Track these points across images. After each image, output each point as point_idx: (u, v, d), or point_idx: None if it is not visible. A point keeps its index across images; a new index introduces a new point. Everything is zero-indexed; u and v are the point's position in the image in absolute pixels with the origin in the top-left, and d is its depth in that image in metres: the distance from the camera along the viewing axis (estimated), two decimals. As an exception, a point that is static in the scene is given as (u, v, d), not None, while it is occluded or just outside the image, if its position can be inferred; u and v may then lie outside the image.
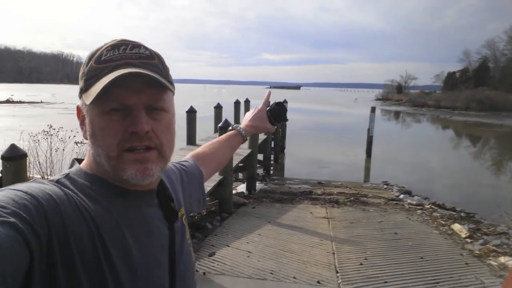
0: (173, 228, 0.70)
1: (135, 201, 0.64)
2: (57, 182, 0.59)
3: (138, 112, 0.60)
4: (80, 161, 0.68)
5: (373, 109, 13.43)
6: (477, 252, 4.45)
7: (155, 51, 0.65)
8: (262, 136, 9.80)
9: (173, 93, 0.68)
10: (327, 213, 6.01)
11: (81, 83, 0.62)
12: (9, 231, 0.43)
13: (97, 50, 0.62)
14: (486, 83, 59.91)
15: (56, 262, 0.49)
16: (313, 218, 5.71)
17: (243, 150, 7.97)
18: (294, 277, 3.60)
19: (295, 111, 34.68)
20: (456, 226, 5.45)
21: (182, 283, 0.70)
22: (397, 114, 42.92)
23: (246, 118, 1.22)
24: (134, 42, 0.63)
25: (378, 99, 76.57)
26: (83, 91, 0.62)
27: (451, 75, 72.33)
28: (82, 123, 0.65)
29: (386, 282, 3.57)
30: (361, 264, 3.96)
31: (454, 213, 6.70)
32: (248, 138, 1.22)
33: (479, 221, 6.19)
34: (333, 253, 4.26)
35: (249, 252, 4.16)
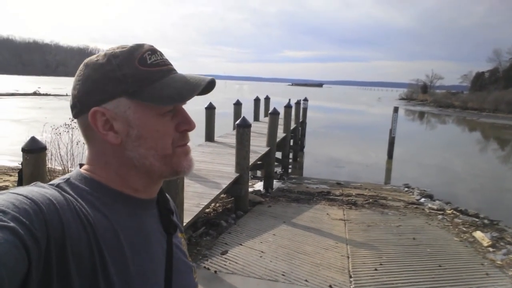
0: (171, 241, 0.69)
1: (135, 210, 0.64)
2: (57, 186, 0.59)
3: (185, 112, 0.66)
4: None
5: (395, 109, 13.14)
6: (499, 262, 4.27)
7: None
8: (280, 134, 9.74)
9: None
10: (344, 215, 5.91)
11: (122, 85, 0.60)
12: (8, 236, 0.43)
13: (131, 53, 0.62)
14: (518, 84, 57.48)
15: (52, 267, 0.48)
16: (329, 219, 5.63)
17: (261, 148, 7.94)
18: (306, 280, 3.56)
19: (316, 109, 34.34)
20: (478, 234, 5.26)
21: None
22: (421, 115, 41.90)
23: None
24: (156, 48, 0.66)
25: (402, 99, 74.99)
26: (129, 93, 0.60)
27: (479, 75, 69.91)
28: (109, 129, 0.61)
29: (401, 289, 3.48)
30: (376, 269, 3.87)
31: (477, 219, 6.47)
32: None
33: (503, 229, 5.95)
34: (348, 257, 4.19)
35: (262, 252, 4.13)
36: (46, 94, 36.82)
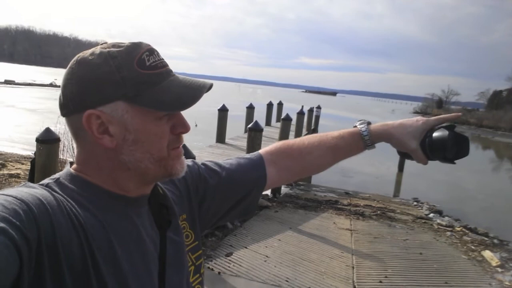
0: (164, 237, 0.68)
1: (126, 208, 0.63)
2: (47, 186, 0.58)
3: (181, 114, 0.65)
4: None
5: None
6: (507, 283, 4.19)
7: None
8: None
9: None
10: (351, 225, 5.87)
11: (121, 89, 0.57)
12: None
13: (129, 54, 0.59)
14: (536, 104, 56.59)
15: (44, 269, 0.48)
16: (336, 228, 5.59)
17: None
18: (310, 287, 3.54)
19: (329, 117, 34.20)
20: (487, 253, 5.16)
21: None
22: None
23: (388, 122, 0.91)
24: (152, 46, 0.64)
25: (416, 112, 74.21)
26: (128, 97, 0.58)
27: (497, 93, 69.05)
28: (104, 132, 0.59)
29: (405, 304, 3.44)
30: (380, 281, 3.83)
31: (486, 238, 6.34)
32: (373, 146, 0.89)
33: (513, 251, 5.82)
34: (353, 267, 4.15)
35: (266, 256, 4.12)
36: (63, 86, 37.63)
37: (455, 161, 0.82)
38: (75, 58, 0.61)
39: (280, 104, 15.49)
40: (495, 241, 6.34)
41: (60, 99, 0.61)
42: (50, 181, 0.60)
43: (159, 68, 0.61)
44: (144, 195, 0.67)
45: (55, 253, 0.49)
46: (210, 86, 0.64)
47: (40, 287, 0.48)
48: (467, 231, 6.58)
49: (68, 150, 5.71)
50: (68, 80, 0.59)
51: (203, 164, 0.86)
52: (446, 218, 7.62)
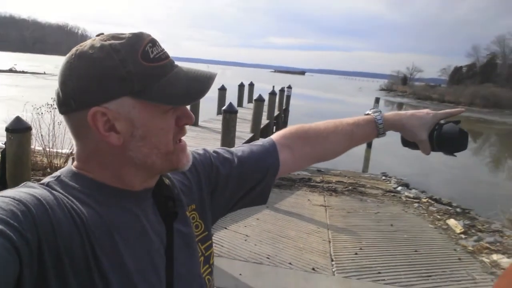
0: (171, 230, 0.66)
1: (129, 203, 0.62)
2: (47, 185, 0.57)
3: (185, 106, 0.64)
4: None
5: (377, 100, 13.42)
6: (470, 248, 4.52)
7: None
8: (264, 121, 9.79)
9: None
10: (324, 201, 6.06)
11: (127, 84, 0.56)
12: None
13: (133, 46, 0.57)
14: (493, 80, 59.67)
15: (47, 268, 0.48)
16: (310, 205, 5.76)
17: (245, 133, 7.99)
18: (290, 263, 3.67)
19: (299, 97, 34.52)
20: (452, 221, 5.51)
21: None
22: (400, 106, 42.80)
23: (400, 112, 0.94)
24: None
25: (382, 90, 76.16)
26: (135, 92, 0.56)
27: (457, 69, 71.84)
28: (110, 129, 0.57)
29: (379, 272, 3.64)
30: (356, 253, 4.03)
31: (450, 208, 6.75)
32: (384, 134, 0.92)
33: (475, 218, 6.24)
34: (329, 241, 4.33)
35: (246, 235, 4.22)
36: (23, 72, 35.28)
37: (456, 154, 0.89)
38: (72, 52, 0.57)
39: (251, 85, 15.44)
40: (458, 210, 6.76)
41: (59, 96, 0.58)
42: (51, 179, 0.59)
43: (163, 60, 0.59)
44: (148, 188, 0.66)
45: (57, 252, 0.49)
46: (214, 77, 0.63)
47: (45, 286, 0.48)
48: (432, 202, 6.97)
49: (37, 139, 5.48)
50: (67, 76, 0.56)
51: (214, 152, 0.84)
52: (413, 191, 8.02)
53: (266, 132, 10.63)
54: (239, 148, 0.87)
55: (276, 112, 12.50)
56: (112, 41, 0.57)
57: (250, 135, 8.06)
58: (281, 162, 0.86)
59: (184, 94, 0.59)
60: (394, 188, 8.08)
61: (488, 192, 9.68)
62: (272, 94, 10.97)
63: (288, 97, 15.41)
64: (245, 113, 10.54)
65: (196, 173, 0.78)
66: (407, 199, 6.96)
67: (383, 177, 9.34)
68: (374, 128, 0.90)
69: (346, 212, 5.57)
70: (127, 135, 0.58)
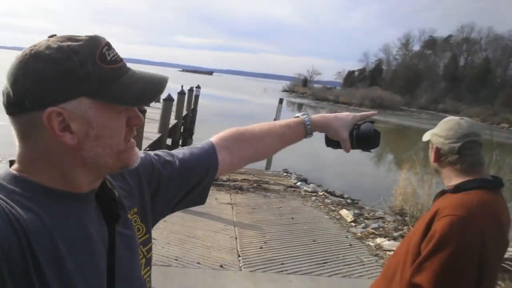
0: (113, 232, 0.67)
1: (72, 206, 0.61)
2: None
3: (135, 107, 0.66)
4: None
5: (280, 101, 14.16)
6: (359, 234, 5.12)
7: None
8: (173, 121, 9.60)
9: None
10: (231, 199, 6.23)
11: (85, 85, 0.57)
12: None
13: (91, 48, 0.58)
14: (379, 83, 67.83)
15: None
16: (218, 204, 5.87)
17: (153, 134, 7.75)
18: (198, 262, 3.72)
19: (207, 97, 34.50)
20: (344, 212, 6.16)
21: None
22: (300, 106, 45.74)
23: (325, 114, 1.03)
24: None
25: (285, 91, 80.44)
26: (92, 92, 0.58)
27: (350, 73, 79.90)
28: (64, 129, 0.58)
29: (283, 263, 3.92)
30: (261, 247, 4.26)
31: (342, 199, 7.53)
32: (311, 134, 1.01)
33: (362, 207, 7.06)
34: (236, 238, 4.49)
35: (153, 239, 4.08)
36: None
37: (371, 151, 1.04)
38: (26, 52, 0.57)
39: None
40: (349, 201, 7.58)
41: (8, 96, 0.56)
42: None
43: (119, 62, 0.62)
44: (93, 190, 0.66)
45: None
46: (167, 80, 0.67)
47: None
48: (327, 195, 7.68)
49: None
50: (20, 75, 0.56)
51: (156, 155, 0.85)
52: (311, 185, 8.71)
53: (174, 132, 10.44)
54: (180, 150, 0.90)
55: (185, 112, 12.34)
56: (70, 43, 0.57)
57: (158, 135, 7.85)
58: (220, 162, 0.90)
59: (140, 95, 0.62)
60: (295, 183, 8.65)
61: (372, 184, 11.01)
62: (181, 93, 10.81)
63: (197, 96, 15.33)
64: (154, 113, 10.18)
65: (137, 176, 0.79)
66: (306, 193, 7.54)
67: (285, 174, 9.93)
68: (303, 129, 0.99)
69: (251, 208, 5.81)
70: (82, 135, 0.59)
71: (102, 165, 0.63)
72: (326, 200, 7.07)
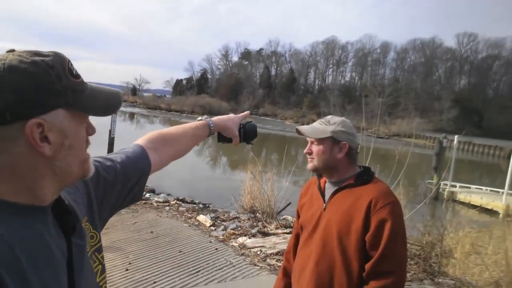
0: (70, 244, 0.68)
1: (31, 219, 0.62)
2: None
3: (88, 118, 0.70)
4: None
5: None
6: (221, 237, 5.22)
7: None
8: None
9: None
10: (75, 222, 5.42)
11: (62, 97, 0.61)
12: None
13: (61, 63, 0.62)
14: (206, 91, 71.72)
15: None
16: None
17: None
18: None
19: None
20: (201, 217, 6.18)
21: None
22: (132, 115, 43.81)
23: (219, 116, 1.23)
24: None
25: (111, 99, 75.34)
26: (68, 104, 0.62)
27: (178, 82, 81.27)
28: (43, 140, 0.60)
29: (155, 282, 3.62)
30: (126, 269, 3.83)
31: (195, 205, 7.56)
32: (214, 133, 1.19)
33: (216, 210, 7.25)
34: (93, 265, 3.91)
35: None
36: None
37: (252, 143, 1.27)
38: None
39: None
40: (201, 205, 7.67)
41: None
42: None
43: (80, 77, 0.66)
44: (50, 203, 0.67)
45: None
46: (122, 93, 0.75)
47: None
48: (180, 202, 7.58)
49: None
50: None
51: (96, 161, 0.87)
52: (162, 195, 8.45)
53: None
54: (116, 155, 0.94)
55: None
56: (42, 58, 0.60)
57: None
58: (152, 163, 0.98)
59: (105, 106, 0.69)
60: (144, 195, 8.21)
61: (219, 186, 11.46)
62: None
63: None
64: None
65: (84, 183, 0.81)
66: (158, 204, 7.24)
67: (130, 187, 9.31)
68: (207, 130, 1.16)
69: (104, 229, 5.14)
70: (58, 146, 0.62)
71: (70, 174, 0.65)
72: (181, 208, 6.96)
